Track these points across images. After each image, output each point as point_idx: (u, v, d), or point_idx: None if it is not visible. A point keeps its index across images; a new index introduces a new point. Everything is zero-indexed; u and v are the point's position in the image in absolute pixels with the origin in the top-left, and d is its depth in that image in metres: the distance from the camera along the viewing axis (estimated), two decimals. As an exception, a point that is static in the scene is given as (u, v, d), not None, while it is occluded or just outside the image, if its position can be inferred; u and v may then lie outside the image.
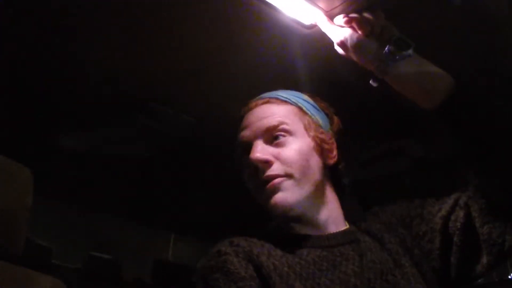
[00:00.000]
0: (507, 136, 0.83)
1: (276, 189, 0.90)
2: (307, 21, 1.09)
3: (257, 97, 1.02)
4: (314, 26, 1.08)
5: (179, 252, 4.13)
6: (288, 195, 0.90)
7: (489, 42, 1.16)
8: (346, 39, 0.93)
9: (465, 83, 0.87)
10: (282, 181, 0.91)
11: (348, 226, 0.99)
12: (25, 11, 1.19)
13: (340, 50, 0.96)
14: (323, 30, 0.99)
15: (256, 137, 0.94)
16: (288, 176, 0.91)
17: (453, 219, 0.90)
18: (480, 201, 0.88)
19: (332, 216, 0.97)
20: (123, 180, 2.29)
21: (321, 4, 1.00)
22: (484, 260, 0.87)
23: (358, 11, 0.95)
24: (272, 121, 0.94)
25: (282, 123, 0.94)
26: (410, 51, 0.88)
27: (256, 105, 0.98)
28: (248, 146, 0.94)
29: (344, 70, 1.11)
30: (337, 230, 0.96)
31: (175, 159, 2.02)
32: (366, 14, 0.93)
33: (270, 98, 0.99)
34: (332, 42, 0.97)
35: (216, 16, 1.13)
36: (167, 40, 1.25)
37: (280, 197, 0.90)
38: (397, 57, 0.88)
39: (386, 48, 0.88)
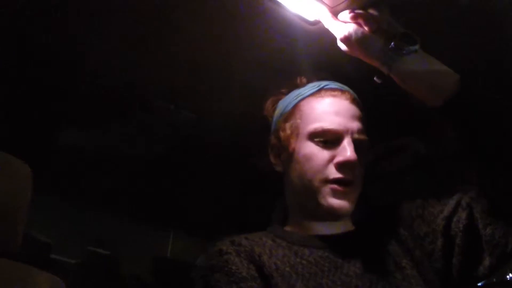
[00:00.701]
0: None
1: (345, 195, 0.92)
2: (311, 17, 1.08)
3: (339, 84, 1.02)
4: (318, 23, 1.06)
5: (178, 249, 4.13)
6: (351, 205, 0.93)
7: (497, 40, 1.14)
8: (351, 35, 0.92)
9: (471, 82, 0.86)
10: (353, 190, 0.94)
11: (353, 227, 0.98)
12: (23, 7, 1.17)
13: (343, 47, 0.95)
14: (327, 26, 0.98)
15: (347, 133, 0.94)
16: (357, 186, 0.95)
17: (455, 220, 0.89)
18: (483, 202, 0.87)
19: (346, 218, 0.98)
20: (122, 177, 2.28)
21: (325, 0, 0.98)
22: (487, 261, 0.86)
23: (363, 7, 0.94)
24: (363, 132, 0.96)
25: (367, 139, 0.97)
26: (416, 46, 0.87)
27: (346, 98, 0.99)
28: (335, 133, 0.94)
29: (348, 67, 1.09)
30: (343, 231, 0.96)
31: (175, 155, 2.01)
32: (371, 11, 0.92)
33: (356, 98, 1.00)
34: (336, 39, 0.96)
35: (218, 12, 1.12)
36: (168, 36, 1.24)
37: (345, 204, 0.92)
38: (404, 52, 0.87)
39: (392, 43, 0.87)
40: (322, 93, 0.99)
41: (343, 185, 0.92)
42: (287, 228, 1.00)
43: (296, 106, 1.01)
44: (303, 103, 1.00)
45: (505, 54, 1.19)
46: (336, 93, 0.99)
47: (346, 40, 0.93)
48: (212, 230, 2.30)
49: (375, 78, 0.93)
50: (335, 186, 0.91)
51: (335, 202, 0.91)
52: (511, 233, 0.84)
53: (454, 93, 0.84)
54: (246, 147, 1.53)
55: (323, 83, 1.02)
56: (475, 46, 1.17)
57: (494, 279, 2.24)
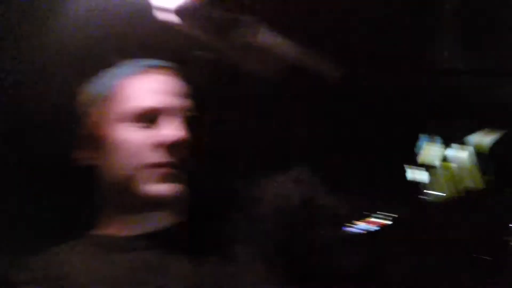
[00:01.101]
0: None
1: (167, 178, 0.80)
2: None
3: (160, 61, 0.89)
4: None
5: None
6: (175, 189, 0.81)
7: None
8: (183, 7, 0.86)
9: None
10: (176, 173, 0.81)
11: (179, 219, 0.87)
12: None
13: (172, 18, 0.89)
14: None
15: (169, 111, 0.82)
16: (181, 168, 0.82)
17: (291, 197, 0.88)
18: (315, 177, 0.89)
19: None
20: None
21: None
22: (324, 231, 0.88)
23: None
24: (189, 110, 0.85)
25: (193, 117, 0.86)
26: (252, 20, 0.86)
27: (168, 74, 0.87)
28: (153, 112, 0.82)
29: (176, 42, 1.02)
30: (166, 226, 0.85)
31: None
32: None
33: (180, 75, 0.89)
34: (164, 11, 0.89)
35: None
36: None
37: (168, 188, 0.80)
38: (241, 24, 0.85)
39: (229, 15, 0.84)
40: (140, 71, 0.88)
41: (164, 168, 0.81)
42: (101, 232, 0.87)
43: (108, 89, 0.88)
44: (117, 84, 0.87)
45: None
46: (156, 70, 0.88)
47: (179, 12, 0.87)
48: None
49: (200, 53, 0.89)
50: (154, 170, 0.80)
51: (159, 187, 0.80)
52: (342, 202, 0.88)
53: (293, 66, 0.86)
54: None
55: (141, 61, 0.90)
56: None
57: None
